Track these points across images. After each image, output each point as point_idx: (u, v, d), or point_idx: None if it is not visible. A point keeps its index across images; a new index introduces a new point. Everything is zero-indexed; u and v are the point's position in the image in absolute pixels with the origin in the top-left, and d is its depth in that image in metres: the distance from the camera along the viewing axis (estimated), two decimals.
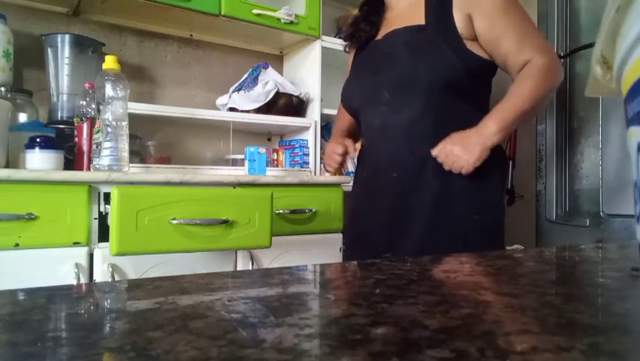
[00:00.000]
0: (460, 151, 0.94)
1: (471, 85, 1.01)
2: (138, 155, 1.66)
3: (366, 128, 1.09)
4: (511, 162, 1.93)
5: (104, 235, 1.24)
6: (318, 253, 1.59)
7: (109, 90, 1.33)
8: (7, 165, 1.28)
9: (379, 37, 1.11)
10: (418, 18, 1.03)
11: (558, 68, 0.98)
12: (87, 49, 1.61)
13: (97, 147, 1.34)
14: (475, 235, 0.99)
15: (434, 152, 0.97)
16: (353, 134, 1.26)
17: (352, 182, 1.22)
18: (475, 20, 0.98)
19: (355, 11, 2.15)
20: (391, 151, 1.03)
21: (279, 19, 1.81)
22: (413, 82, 1.00)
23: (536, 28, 1.03)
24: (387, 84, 1.03)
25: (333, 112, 1.97)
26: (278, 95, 1.83)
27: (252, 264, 1.43)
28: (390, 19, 1.12)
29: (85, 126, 1.42)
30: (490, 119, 0.95)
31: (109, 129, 1.32)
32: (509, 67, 0.99)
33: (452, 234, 0.98)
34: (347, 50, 1.22)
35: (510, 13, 0.97)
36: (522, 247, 0.95)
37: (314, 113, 1.93)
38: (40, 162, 1.26)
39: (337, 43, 1.98)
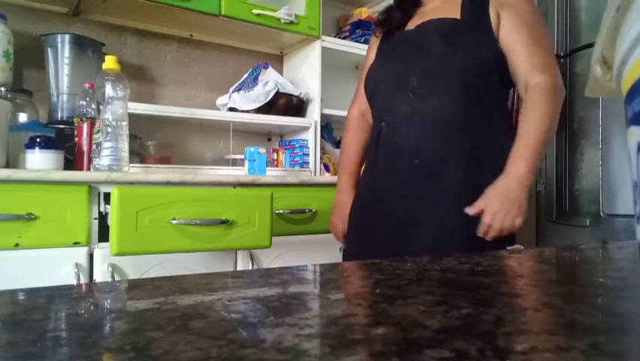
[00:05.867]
0: (507, 205, 0.93)
1: (498, 83, 1.04)
2: (138, 155, 1.66)
3: (390, 114, 1.07)
4: None
5: (104, 235, 1.24)
6: (318, 253, 1.59)
7: (109, 90, 1.33)
8: (7, 165, 1.28)
9: (410, 27, 1.12)
10: (453, 12, 1.05)
11: (560, 88, 1.00)
12: (87, 49, 1.61)
13: (97, 147, 1.34)
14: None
15: (472, 210, 0.95)
16: (361, 166, 1.25)
17: (363, 170, 1.21)
18: (502, 20, 1.02)
19: (355, 11, 2.16)
20: (415, 138, 1.02)
21: (279, 19, 1.81)
22: (444, 71, 1.01)
23: (550, 46, 1.06)
24: (417, 72, 1.04)
25: (333, 112, 1.97)
26: (278, 95, 1.83)
27: (252, 264, 1.43)
28: (423, 12, 1.13)
29: (85, 126, 1.42)
30: (517, 162, 0.95)
31: (109, 129, 1.32)
32: (517, 79, 1.03)
33: (467, 229, 0.98)
34: (376, 34, 1.23)
35: (533, 25, 1.02)
36: (522, 247, 0.95)
37: (314, 113, 1.93)
38: (40, 162, 1.26)
39: (337, 44, 1.98)
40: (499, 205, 0.93)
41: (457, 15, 1.05)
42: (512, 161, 0.96)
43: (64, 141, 1.42)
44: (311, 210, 1.56)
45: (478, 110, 1.01)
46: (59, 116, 1.54)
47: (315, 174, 1.87)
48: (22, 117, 1.48)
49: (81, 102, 1.49)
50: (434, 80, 1.02)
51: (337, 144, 2.18)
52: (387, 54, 1.15)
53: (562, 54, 1.69)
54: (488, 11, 1.02)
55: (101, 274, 1.21)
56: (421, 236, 1.00)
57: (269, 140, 2.14)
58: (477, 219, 0.98)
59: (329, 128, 2.15)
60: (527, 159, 0.95)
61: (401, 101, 1.05)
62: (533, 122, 0.97)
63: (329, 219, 1.28)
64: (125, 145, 1.35)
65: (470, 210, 0.96)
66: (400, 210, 1.03)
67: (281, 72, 2.10)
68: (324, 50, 1.92)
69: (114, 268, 1.21)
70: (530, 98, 0.99)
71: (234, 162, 1.87)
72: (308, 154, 1.89)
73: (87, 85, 1.50)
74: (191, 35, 1.96)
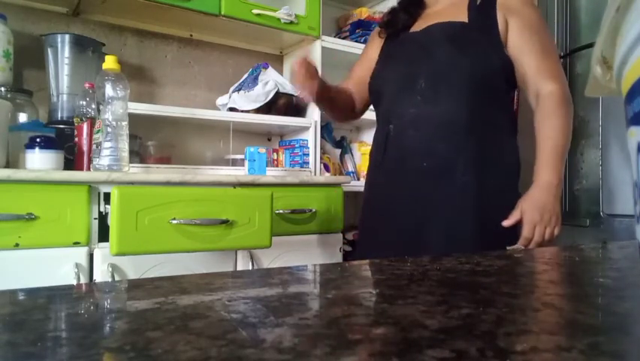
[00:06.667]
0: (546, 216, 0.94)
1: (503, 86, 1.05)
2: (138, 155, 1.66)
3: (397, 116, 1.08)
4: None
5: (104, 235, 1.24)
6: (318, 253, 1.59)
7: (109, 90, 1.33)
8: (7, 165, 1.28)
9: (416, 29, 1.12)
10: (460, 16, 1.06)
11: (570, 95, 1.02)
12: (87, 49, 1.61)
13: (97, 147, 1.34)
14: (495, 234, 0.99)
15: (507, 222, 0.96)
16: (334, 93, 1.19)
17: (367, 173, 1.20)
18: (511, 26, 1.03)
19: (355, 11, 2.16)
20: (423, 140, 1.03)
21: (279, 19, 1.81)
22: (452, 74, 1.01)
23: (556, 53, 1.07)
24: (425, 74, 1.04)
25: None
26: (278, 95, 1.83)
27: (252, 264, 1.43)
28: (428, 15, 1.14)
29: (85, 126, 1.42)
30: (546, 172, 0.97)
31: (109, 129, 1.32)
32: (526, 85, 1.04)
33: (477, 229, 0.98)
34: (380, 35, 1.22)
35: (540, 33, 1.03)
36: (522, 247, 0.95)
37: (314, 113, 1.93)
38: (40, 162, 1.26)
39: (337, 44, 1.98)
40: (538, 217, 0.94)
41: (464, 18, 1.05)
42: (541, 171, 0.97)
43: (64, 141, 1.42)
44: (311, 210, 1.56)
45: (484, 113, 1.02)
46: (59, 116, 1.54)
47: (315, 174, 1.87)
48: (22, 117, 1.48)
49: (81, 102, 1.49)
50: (442, 83, 1.02)
51: (337, 144, 2.18)
52: (392, 56, 1.15)
53: (562, 54, 1.69)
54: (496, 16, 1.03)
55: (101, 274, 1.21)
56: (433, 238, 1.00)
57: (269, 140, 2.14)
58: (488, 219, 0.98)
59: (329, 128, 2.15)
60: (554, 168, 0.96)
61: (409, 104, 1.05)
62: (554, 132, 0.98)
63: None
64: (125, 145, 1.35)
65: (507, 223, 0.96)
66: (410, 212, 1.03)
67: (281, 72, 2.10)
68: (324, 50, 1.92)
69: (114, 268, 1.21)
70: (546, 107, 0.99)
71: (234, 162, 1.87)
72: (308, 154, 1.89)
73: (87, 85, 1.50)
74: (191, 35, 1.96)
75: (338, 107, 1.24)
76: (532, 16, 1.03)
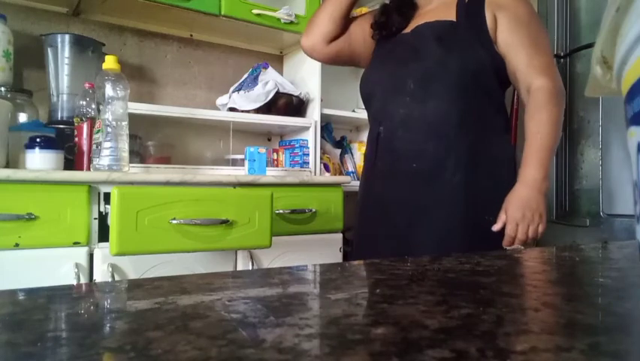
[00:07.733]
0: (529, 214, 0.93)
1: (495, 85, 1.04)
2: (138, 155, 1.66)
3: (387, 118, 1.07)
4: None
5: (104, 235, 1.24)
6: (318, 253, 1.59)
7: (109, 90, 1.33)
8: (7, 165, 1.28)
9: (406, 30, 1.12)
10: (449, 15, 1.05)
11: (562, 90, 1.01)
12: (87, 49, 1.61)
13: (97, 147, 1.34)
14: (486, 235, 0.98)
15: (496, 227, 0.95)
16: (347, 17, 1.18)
17: (362, 174, 1.19)
18: (499, 22, 1.01)
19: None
20: (413, 141, 1.02)
21: (279, 19, 1.81)
22: (441, 73, 1.01)
23: (549, 47, 1.05)
24: (414, 75, 1.03)
25: (333, 112, 1.97)
26: (278, 95, 1.83)
27: (252, 264, 1.43)
28: (420, 15, 1.13)
29: (85, 126, 1.42)
30: (531, 168, 0.95)
31: (109, 129, 1.32)
32: (517, 81, 1.02)
33: (469, 230, 0.98)
34: (373, 37, 1.18)
35: (531, 27, 1.01)
36: (522, 247, 0.95)
37: (314, 113, 1.93)
38: (40, 162, 1.26)
39: None
40: (520, 215, 0.93)
41: (453, 17, 1.04)
42: (526, 167, 0.96)
43: (64, 141, 1.42)
44: (311, 210, 1.56)
45: (475, 112, 1.01)
46: (59, 116, 1.54)
47: (315, 174, 1.87)
48: (22, 117, 1.48)
49: (81, 102, 1.49)
50: (431, 83, 1.02)
51: (337, 144, 2.18)
52: (383, 57, 1.15)
53: (562, 54, 1.69)
54: (484, 13, 1.02)
55: (101, 274, 1.21)
56: (423, 240, 1.00)
57: (269, 140, 2.14)
58: (478, 220, 0.98)
59: (329, 129, 2.15)
60: (540, 164, 0.95)
61: (398, 105, 1.04)
62: (542, 127, 0.97)
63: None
64: (125, 145, 1.35)
65: (496, 227, 0.95)
66: (401, 214, 1.03)
67: (281, 72, 2.10)
68: None
69: (114, 268, 1.21)
70: (535, 101, 0.98)
71: (234, 162, 1.87)
72: (308, 154, 1.89)
73: (87, 85, 1.50)
74: (191, 35, 1.96)
75: (341, 19, 1.17)
76: (521, 11, 1.02)
